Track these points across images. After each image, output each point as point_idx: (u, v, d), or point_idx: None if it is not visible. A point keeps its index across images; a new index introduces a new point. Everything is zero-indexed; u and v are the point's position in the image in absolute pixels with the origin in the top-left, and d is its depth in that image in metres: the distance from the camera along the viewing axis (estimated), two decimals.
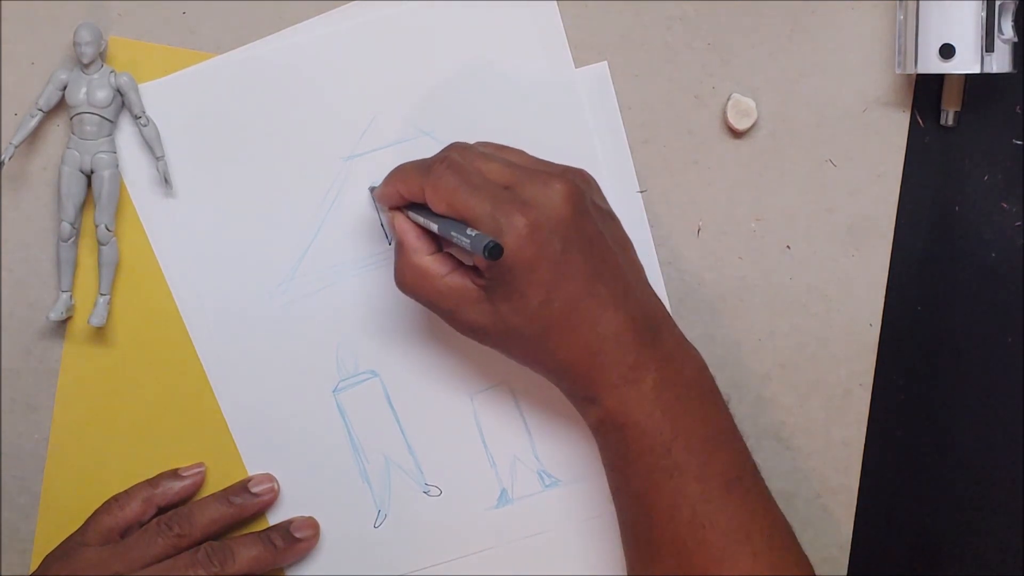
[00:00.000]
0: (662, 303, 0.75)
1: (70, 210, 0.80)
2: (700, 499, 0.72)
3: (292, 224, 0.81)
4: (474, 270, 0.74)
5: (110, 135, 0.79)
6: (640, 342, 0.72)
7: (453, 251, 0.75)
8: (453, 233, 0.70)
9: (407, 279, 0.75)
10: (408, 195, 0.75)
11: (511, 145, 0.77)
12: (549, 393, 0.81)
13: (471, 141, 0.77)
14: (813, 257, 0.82)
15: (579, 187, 0.72)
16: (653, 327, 0.73)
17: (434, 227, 0.73)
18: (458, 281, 0.73)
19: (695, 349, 0.75)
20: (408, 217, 0.75)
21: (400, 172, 0.76)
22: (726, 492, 0.72)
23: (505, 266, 0.70)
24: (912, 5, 0.78)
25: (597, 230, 0.72)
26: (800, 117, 0.81)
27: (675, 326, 0.75)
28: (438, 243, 0.75)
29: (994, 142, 0.82)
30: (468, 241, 0.69)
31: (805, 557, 0.74)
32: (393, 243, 0.81)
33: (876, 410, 0.83)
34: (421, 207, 0.74)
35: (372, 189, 0.80)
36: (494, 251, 0.67)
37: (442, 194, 0.72)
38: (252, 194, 0.81)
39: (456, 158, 0.73)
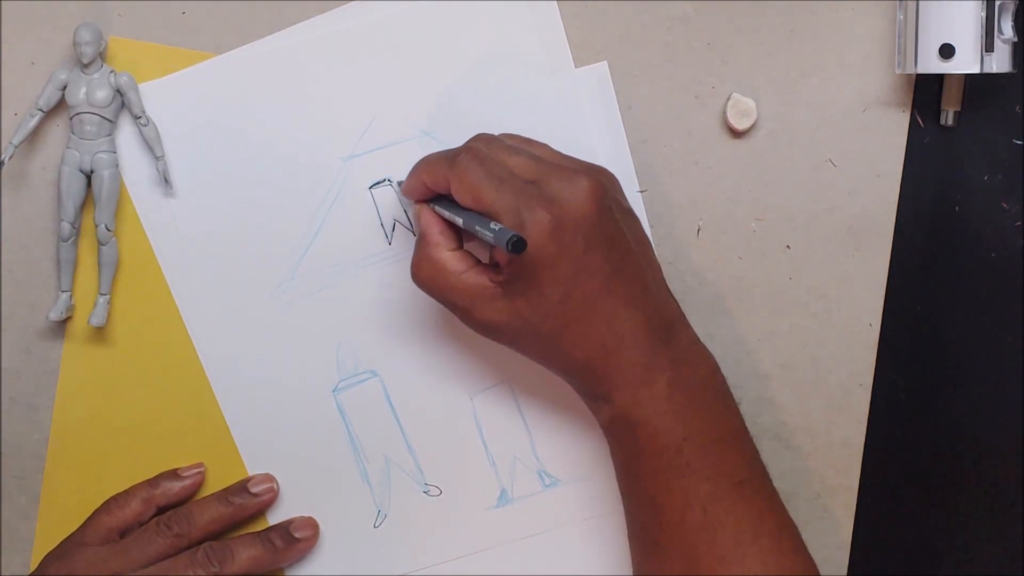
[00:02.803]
0: (677, 303, 0.75)
1: (70, 210, 0.80)
2: (710, 499, 0.72)
3: (292, 224, 0.81)
4: (492, 268, 0.74)
5: (110, 135, 0.79)
6: (655, 342, 0.72)
7: (473, 248, 0.75)
8: (477, 227, 0.70)
9: (424, 273, 0.75)
10: (433, 185, 0.75)
11: (534, 139, 0.77)
12: (549, 393, 0.81)
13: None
14: (813, 257, 0.82)
15: (603, 184, 0.72)
16: (668, 327, 0.73)
17: (459, 220, 0.73)
18: (475, 278, 0.73)
19: (708, 350, 0.75)
20: (434, 211, 0.75)
21: (425, 163, 0.76)
22: (736, 493, 0.72)
23: (526, 261, 0.70)
24: (912, 5, 0.78)
25: (619, 228, 0.72)
26: (800, 117, 0.81)
27: (690, 327, 0.75)
28: (459, 241, 0.75)
29: (994, 142, 0.82)
30: (492, 235, 0.69)
31: (811, 559, 0.74)
32: (393, 243, 0.81)
33: (876, 410, 0.83)
34: (446, 199, 0.74)
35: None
36: (517, 245, 0.67)
37: (467, 186, 0.72)
38: (252, 194, 0.81)
39: (482, 149, 0.73)
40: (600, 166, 0.75)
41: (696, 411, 0.73)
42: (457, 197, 0.72)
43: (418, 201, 0.77)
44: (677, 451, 0.72)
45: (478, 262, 0.74)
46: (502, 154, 0.73)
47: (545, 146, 0.76)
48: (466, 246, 0.75)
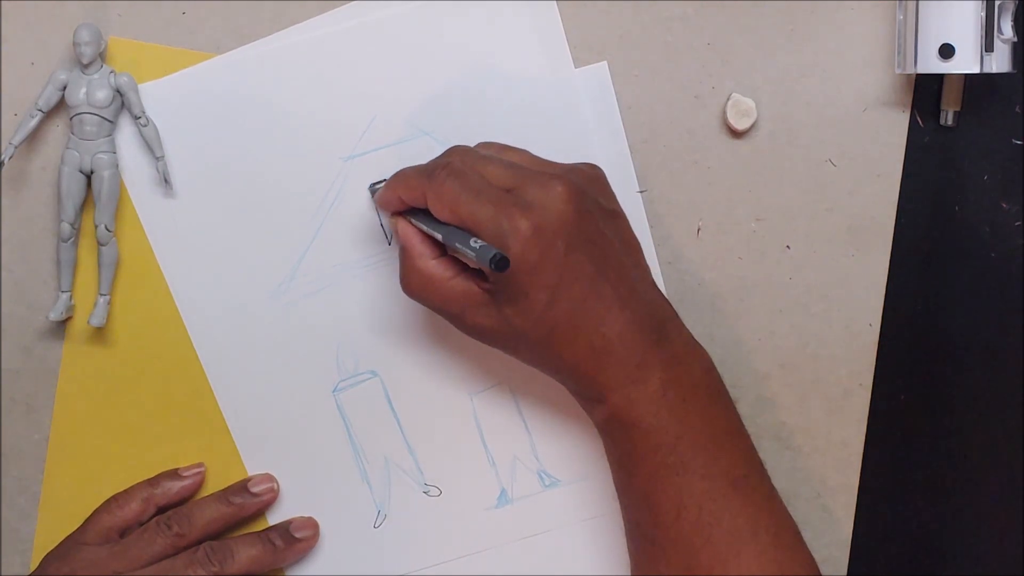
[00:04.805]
0: (669, 302, 0.75)
1: (70, 210, 0.80)
2: (706, 497, 0.72)
3: (292, 224, 0.81)
4: (479, 273, 0.74)
5: (110, 135, 0.79)
6: (646, 342, 0.72)
7: (458, 255, 0.75)
8: (458, 244, 0.70)
9: (413, 283, 0.75)
10: (410, 201, 0.75)
11: (512, 145, 0.77)
12: (549, 393, 0.81)
13: (471, 141, 0.77)
14: (813, 257, 0.82)
15: (580, 187, 0.72)
16: (659, 326, 0.73)
17: (438, 236, 0.73)
18: (463, 285, 0.73)
19: (703, 348, 0.75)
20: (411, 223, 0.75)
21: (401, 178, 0.75)
22: (732, 490, 0.72)
23: (510, 270, 0.70)
24: (912, 5, 0.78)
25: (600, 230, 0.72)
26: (800, 117, 0.81)
27: (683, 325, 0.75)
28: (442, 248, 0.75)
29: (994, 142, 0.82)
30: (473, 253, 0.69)
31: (811, 556, 0.74)
32: (393, 243, 0.81)
33: (876, 410, 0.83)
34: (423, 213, 0.74)
35: (373, 186, 0.80)
36: (500, 263, 0.67)
37: (445, 201, 0.72)
38: (252, 194, 0.81)
39: (457, 163, 0.73)
40: (583, 167, 0.75)
41: (690, 410, 0.73)
42: (435, 212, 0.72)
43: (393, 213, 0.76)
44: (671, 450, 0.72)
45: (465, 268, 0.74)
46: (478, 165, 0.73)
47: (523, 152, 0.76)
48: (450, 251, 0.75)
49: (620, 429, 0.73)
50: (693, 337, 0.75)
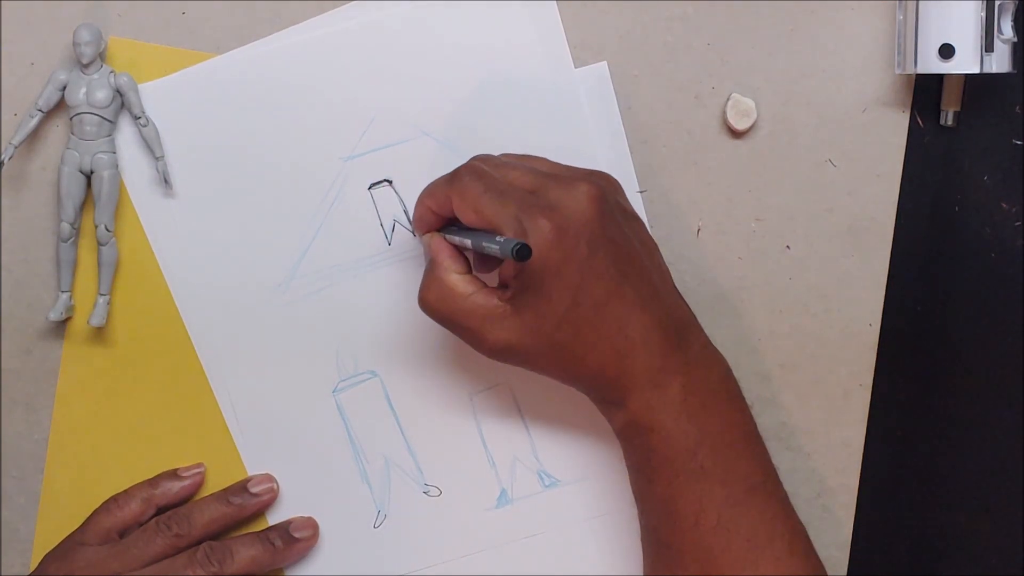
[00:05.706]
0: (688, 305, 0.75)
1: (70, 210, 0.80)
2: (725, 504, 0.72)
3: (292, 224, 0.81)
4: (500, 289, 0.74)
5: (110, 135, 0.79)
6: (667, 345, 0.72)
7: (481, 276, 0.75)
8: (484, 243, 0.70)
9: (432, 296, 0.75)
10: (437, 209, 0.75)
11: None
12: (549, 393, 0.81)
13: (472, 142, 0.78)
14: (813, 257, 0.82)
15: (604, 189, 0.72)
16: (680, 330, 0.73)
17: (467, 243, 0.73)
18: (484, 299, 0.73)
19: (720, 353, 0.75)
20: (444, 238, 0.75)
21: (427, 189, 0.76)
22: (750, 497, 0.72)
23: (532, 270, 0.70)
24: (912, 5, 0.78)
25: (623, 232, 0.73)
26: (800, 117, 0.81)
27: (701, 329, 0.75)
28: (468, 266, 0.75)
29: (994, 142, 0.82)
30: (497, 247, 0.69)
31: (821, 562, 0.75)
32: (392, 243, 0.81)
33: (876, 410, 0.83)
34: (452, 226, 0.75)
35: (373, 185, 0.80)
36: (521, 252, 0.67)
37: (468, 201, 0.72)
38: (252, 194, 0.81)
39: (480, 166, 0.73)
40: (600, 171, 0.75)
41: (710, 415, 0.73)
42: (460, 215, 0.73)
43: (427, 232, 0.77)
44: (691, 455, 0.72)
45: (486, 285, 0.74)
46: (501, 168, 0.73)
47: (543, 159, 0.76)
48: (476, 269, 0.75)
49: (640, 434, 0.73)
50: (710, 340, 0.75)
